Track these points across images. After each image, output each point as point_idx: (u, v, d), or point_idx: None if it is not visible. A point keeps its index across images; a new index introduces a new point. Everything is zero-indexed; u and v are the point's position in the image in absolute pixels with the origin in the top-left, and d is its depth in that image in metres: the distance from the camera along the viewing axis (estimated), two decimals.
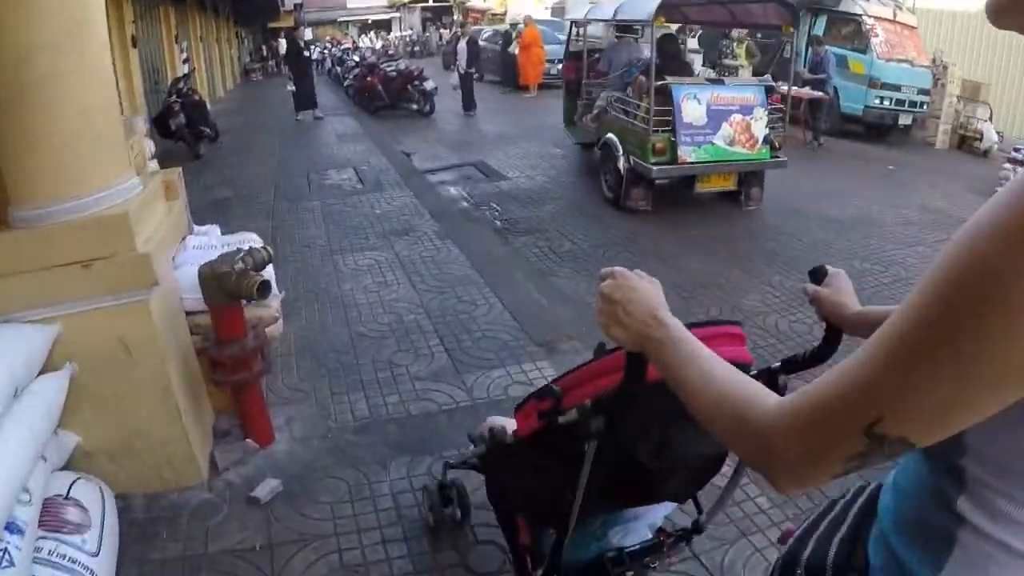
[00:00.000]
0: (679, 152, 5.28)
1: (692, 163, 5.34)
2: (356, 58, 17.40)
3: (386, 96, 12.78)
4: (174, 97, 9.27)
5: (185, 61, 12.01)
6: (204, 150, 9.44)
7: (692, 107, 5.23)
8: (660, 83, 5.38)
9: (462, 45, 12.78)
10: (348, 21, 38.45)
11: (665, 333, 0.78)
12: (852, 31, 10.35)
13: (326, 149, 9.63)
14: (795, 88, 7.40)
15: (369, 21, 37.19)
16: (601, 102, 6.69)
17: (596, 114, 6.84)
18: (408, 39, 31.00)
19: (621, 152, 5.73)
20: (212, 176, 8.05)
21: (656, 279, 0.89)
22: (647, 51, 6.32)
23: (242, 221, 5.42)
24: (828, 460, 0.57)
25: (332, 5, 36.70)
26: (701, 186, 5.58)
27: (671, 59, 6.10)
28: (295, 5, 29.07)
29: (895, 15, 10.40)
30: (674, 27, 8.85)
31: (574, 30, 8.18)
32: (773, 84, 6.42)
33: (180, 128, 9.03)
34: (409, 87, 12.46)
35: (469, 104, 12.38)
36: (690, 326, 0.81)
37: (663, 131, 5.30)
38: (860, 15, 10.17)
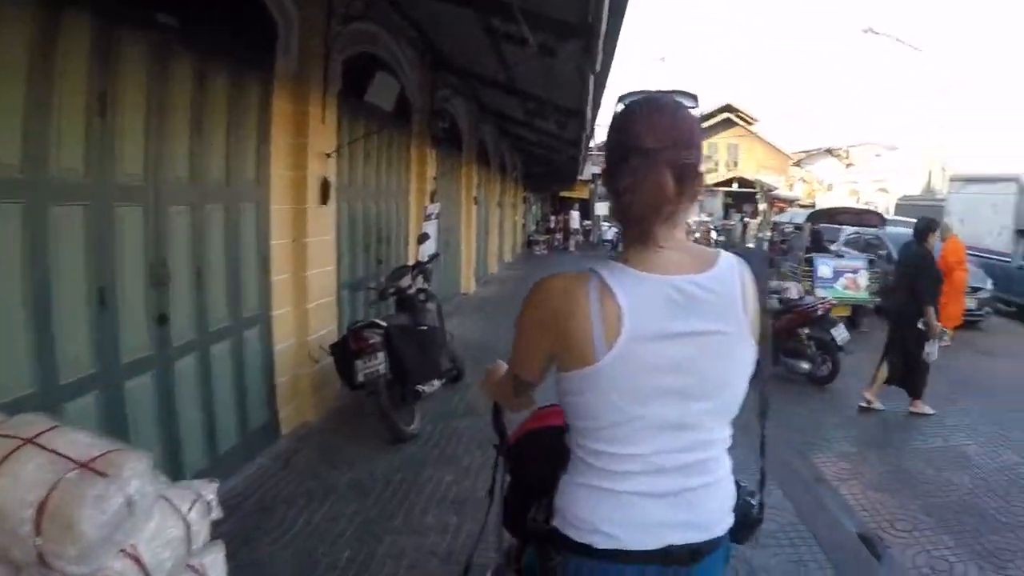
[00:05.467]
0: (816, 292, 7.98)
1: (822, 298, 7.57)
2: None
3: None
4: (391, 309, 4.58)
5: (423, 240, 5.91)
6: (416, 425, 4.34)
7: (824, 268, 8.60)
8: (807, 255, 9.26)
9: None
10: None
11: (494, 390, 1.55)
12: None
13: None
14: None
15: None
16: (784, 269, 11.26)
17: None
18: (709, 227, 24.73)
19: None
20: (393, 541, 2.88)
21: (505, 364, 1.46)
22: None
23: None
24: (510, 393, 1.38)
25: None
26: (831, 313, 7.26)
27: (817, 243, 10.51)
28: (593, 175, 25.71)
29: None
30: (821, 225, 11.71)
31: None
32: (873, 258, 9.26)
33: (374, 380, 4.06)
34: (802, 332, 6.19)
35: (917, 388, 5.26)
36: (540, 408, 1.63)
37: (808, 280, 8.56)
38: None
